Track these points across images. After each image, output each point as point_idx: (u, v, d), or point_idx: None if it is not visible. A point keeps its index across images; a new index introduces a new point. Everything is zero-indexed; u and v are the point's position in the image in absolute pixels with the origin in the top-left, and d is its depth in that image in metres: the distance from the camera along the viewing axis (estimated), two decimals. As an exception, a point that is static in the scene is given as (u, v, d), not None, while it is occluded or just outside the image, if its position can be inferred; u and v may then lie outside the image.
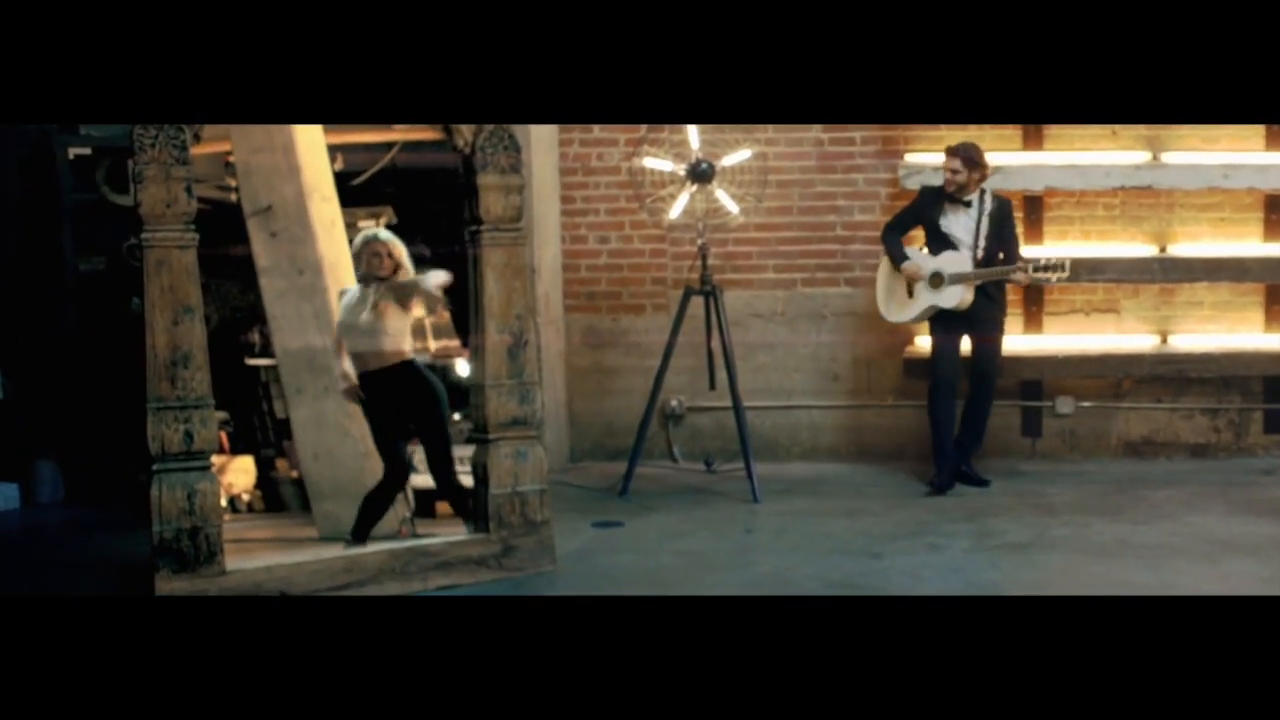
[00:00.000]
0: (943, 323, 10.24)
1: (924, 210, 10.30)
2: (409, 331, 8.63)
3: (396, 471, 8.61)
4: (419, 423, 8.70)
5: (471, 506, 8.44)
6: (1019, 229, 10.85)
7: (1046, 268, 9.87)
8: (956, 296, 10.04)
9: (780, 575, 8.11)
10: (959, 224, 10.15)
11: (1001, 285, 10.27)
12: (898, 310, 10.46)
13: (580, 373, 12.02)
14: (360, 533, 8.49)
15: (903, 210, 10.54)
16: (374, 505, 8.66)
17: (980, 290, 10.10)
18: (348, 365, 8.58)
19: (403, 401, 8.58)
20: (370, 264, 8.42)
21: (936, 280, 10.10)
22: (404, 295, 8.46)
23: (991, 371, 10.34)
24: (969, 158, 10.12)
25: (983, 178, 10.22)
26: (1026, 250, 10.85)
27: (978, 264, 10.06)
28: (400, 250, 8.52)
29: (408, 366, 8.53)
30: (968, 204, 10.12)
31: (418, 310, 8.70)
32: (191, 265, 7.28)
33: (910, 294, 10.34)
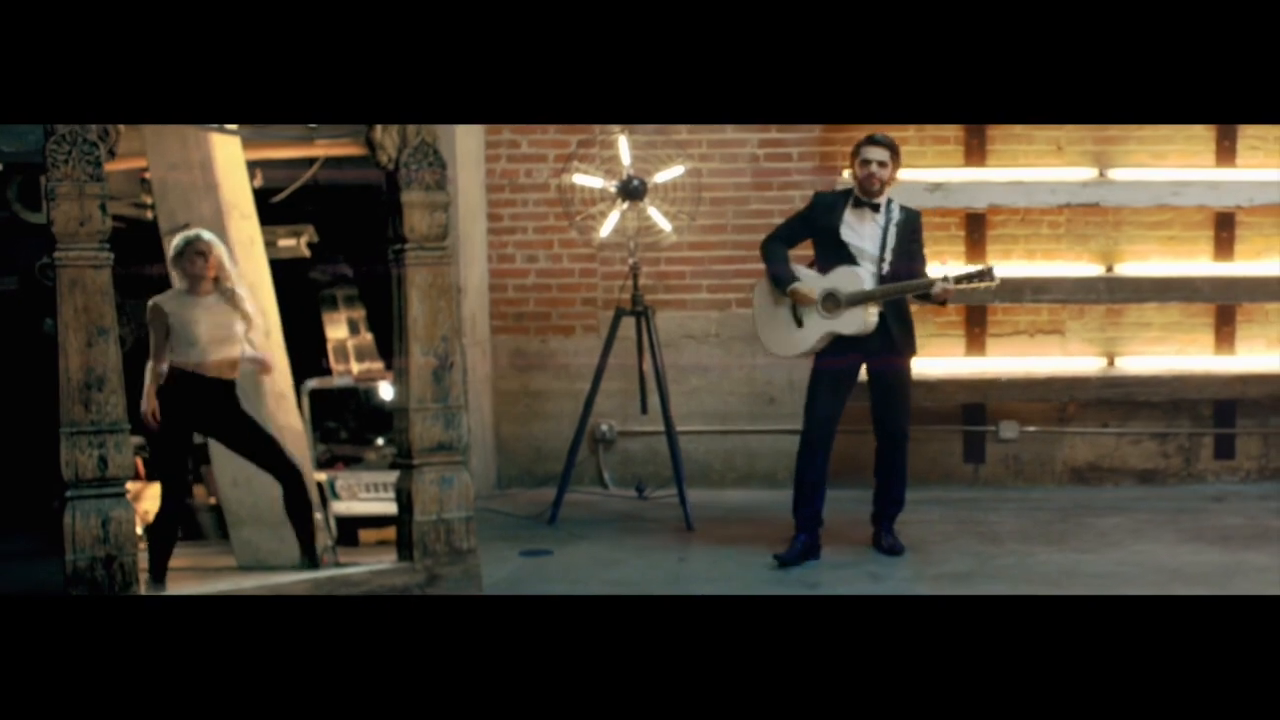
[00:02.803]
0: (835, 350, 9.11)
1: (820, 218, 9.20)
2: (239, 346, 8.73)
3: (177, 493, 8.69)
4: (242, 448, 8.79)
5: (395, 535, 8.42)
6: (962, 248, 11.03)
7: (971, 277, 8.91)
8: (858, 321, 8.94)
9: None
10: (864, 233, 9.05)
11: (905, 313, 9.25)
12: (784, 341, 9.30)
13: (508, 396, 12.04)
14: (157, 572, 8.56)
15: (791, 219, 9.55)
16: (160, 536, 8.71)
17: (883, 316, 9.01)
18: (151, 379, 8.64)
19: (213, 412, 8.67)
20: (194, 267, 8.50)
21: (831, 302, 8.98)
22: (230, 304, 8.58)
23: (900, 429, 9.34)
24: (895, 149, 9.13)
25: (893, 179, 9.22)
26: (967, 269, 10.17)
27: (882, 280, 8.97)
28: (222, 252, 8.59)
29: (230, 386, 8.64)
30: (875, 209, 9.05)
31: (239, 323, 8.78)
32: (106, 285, 7.25)
33: (798, 321, 9.17)
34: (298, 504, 8.78)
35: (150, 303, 8.71)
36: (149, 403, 8.55)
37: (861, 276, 8.99)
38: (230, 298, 8.59)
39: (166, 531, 8.68)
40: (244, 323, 8.65)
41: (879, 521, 9.55)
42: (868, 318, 8.95)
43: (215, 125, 9.50)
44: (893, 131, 9.88)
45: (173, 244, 8.67)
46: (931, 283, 8.94)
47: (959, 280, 8.93)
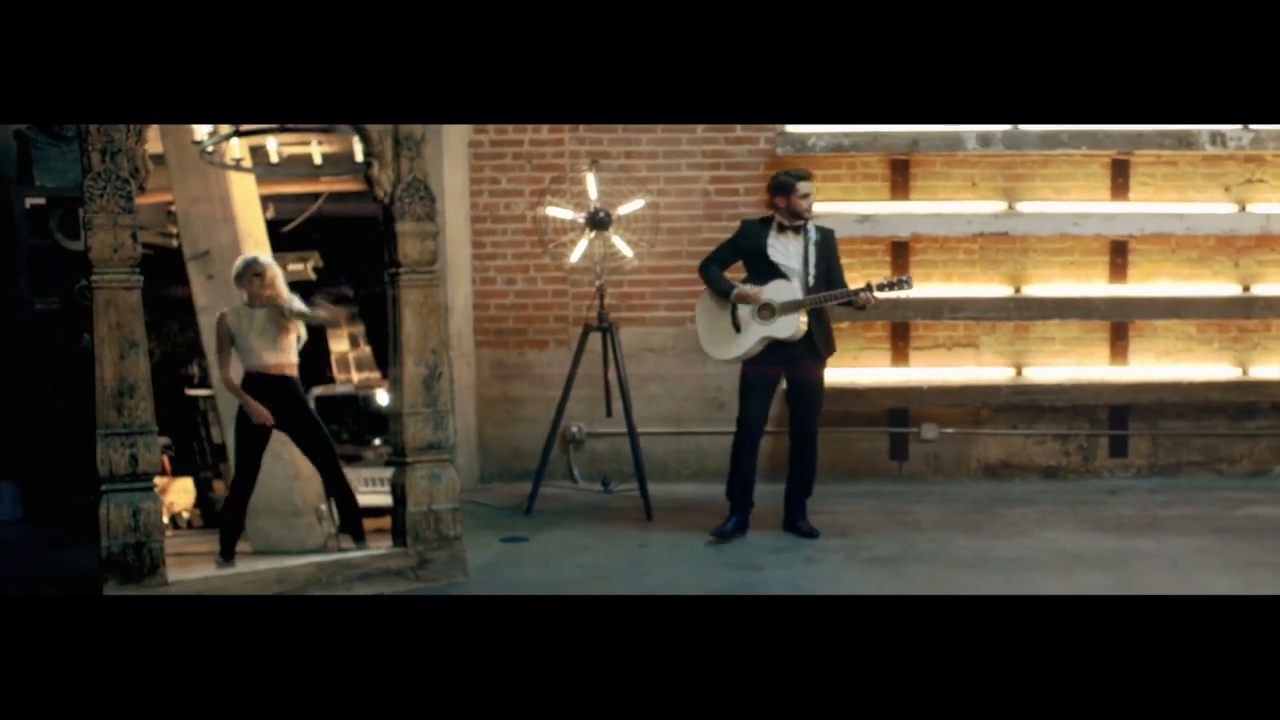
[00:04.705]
0: (763, 358, 9.38)
1: (748, 242, 9.47)
2: (293, 349, 8.74)
3: (250, 480, 8.66)
4: (300, 435, 8.77)
5: (390, 524, 8.46)
6: (888, 272, 11.04)
7: (891, 284, 9.20)
8: (791, 326, 9.21)
9: (672, 586, 8.13)
10: (790, 252, 9.33)
11: (826, 323, 9.47)
12: (725, 346, 9.49)
13: (489, 402, 12.02)
14: (227, 551, 8.56)
15: (722, 245, 9.72)
16: (230, 521, 8.74)
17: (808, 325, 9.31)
18: (232, 374, 8.62)
19: (285, 408, 8.65)
20: (253, 285, 8.52)
21: (766, 311, 9.25)
22: (280, 316, 8.60)
23: (813, 422, 9.52)
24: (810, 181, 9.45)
25: None
26: (896, 291, 10.77)
27: (809, 291, 9.24)
28: (276, 273, 8.59)
29: (290, 381, 8.63)
30: (798, 231, 9.33)
31: (294, 330, 8.81)
32: (137, 304, 7.32)
33: (736, 328, 9.41)
34: (339, 491, 8.82)
35: (218, 315, 8.75)
36: (250, 404, 8.57)
37: (792, 289, 9.25)
38: (279, 310, 8.61)
39: (236, 517, 8.71)
40: (292, 332, 8.68)
41: (793, 507, 9.68)
42: (800, 324, 9.22)
43: (232, 165, 9.56)
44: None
45: (234, 266, 8.70)
46: (857, 290, 9.20)
47: (880, 287, 9.18)
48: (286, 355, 8.63)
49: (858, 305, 9.26)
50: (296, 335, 8.83)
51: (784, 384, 9.55)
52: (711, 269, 9.55)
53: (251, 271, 8.50)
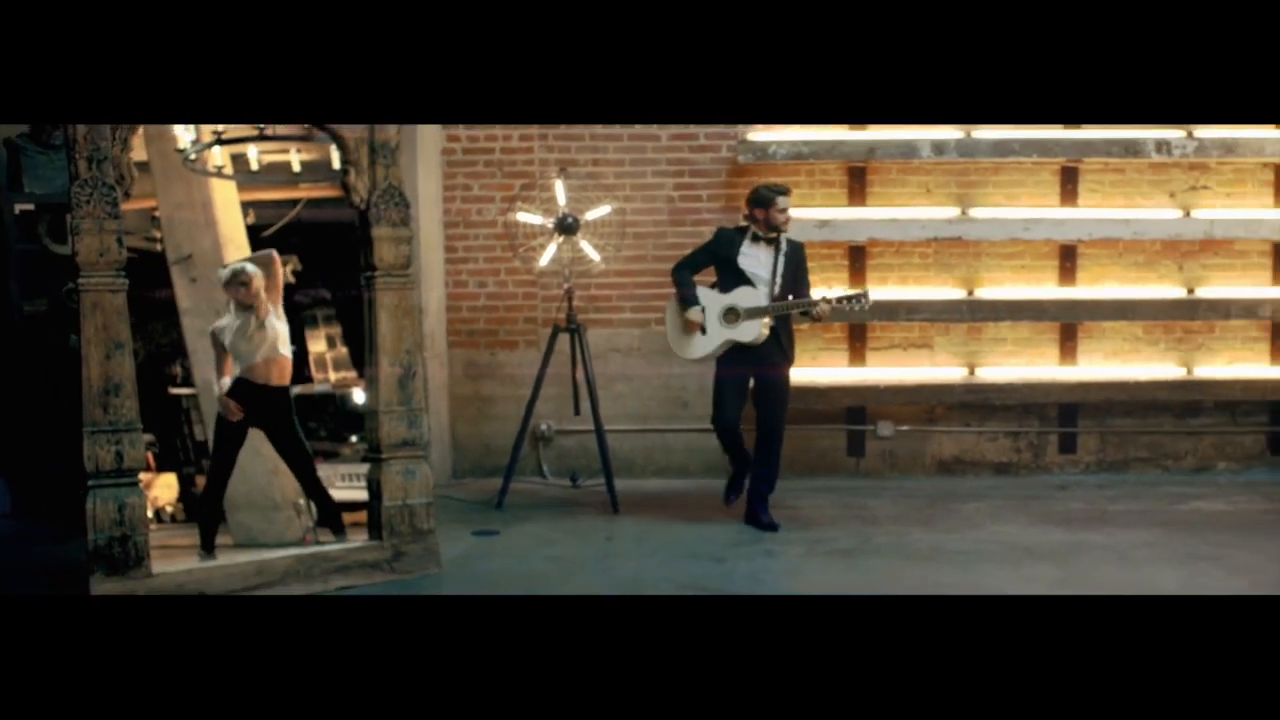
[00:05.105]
0: (732, 360, 9.65)
1: (721, 249, 9.67)
2: (283, 347, 8.67)
3: (225, 476, 8.63)
4: (280, 442, 8.74)
5: (366, 518, 8.49)
6: (845, 275, 11.13)
7: (847, 300, 9.45)
8: (753, 331, 9.47)
9: (638, 577, 8.19)
10: (759, 261, 9.54)
11: (789, 327, 9.71)
12: (691, 347, 9.73)
13: (462, 400, 12.05)
14: (208, 544, 8.51)
15: (696, 250, 9.93)
16: (207, 514, 8.68)
17: (774, 330, 9.55)
18: (226, 381, 8.55)
19: (268, 416, 8.62)
20: (240, 294, 8.56)
21: (732, 316, 9.51)
22: (263, 322, 8.53)
23: (779, 420, 9.69)
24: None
25: None
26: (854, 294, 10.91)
27: (773, 299, 9.46)
28: (261, 281, 8.59)
29: (278, 391, 8.59)
30: (771, 242, 9.55)
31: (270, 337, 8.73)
32: (122, 306, 7.35)
33: (702, 330, 9.63)
34: (317, 494, 8.83)
35: (210, 329, 8.79)
36: (222, 400, 8.57)
37: (758, 296, 9.47)
38: (262, 317, 8.62)
39: (213, 510, 8.66)
40: (273, 337, 8.67)
41: (756, 501, 9.78)
42: (762, 329, 9.48)
43: (213, 172, 9.56)
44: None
45: (221, 273, 8.71)
46: (815, 303, 9.42)
47: (838, 301, 9.46)
48: (276, 354, 8.60)
49: (814, 316, 9.47)
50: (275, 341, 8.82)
51: (751, 383, 9.69)
52: (683, 273, 9.77)
53: (238, 280, 8.52)
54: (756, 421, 9.73)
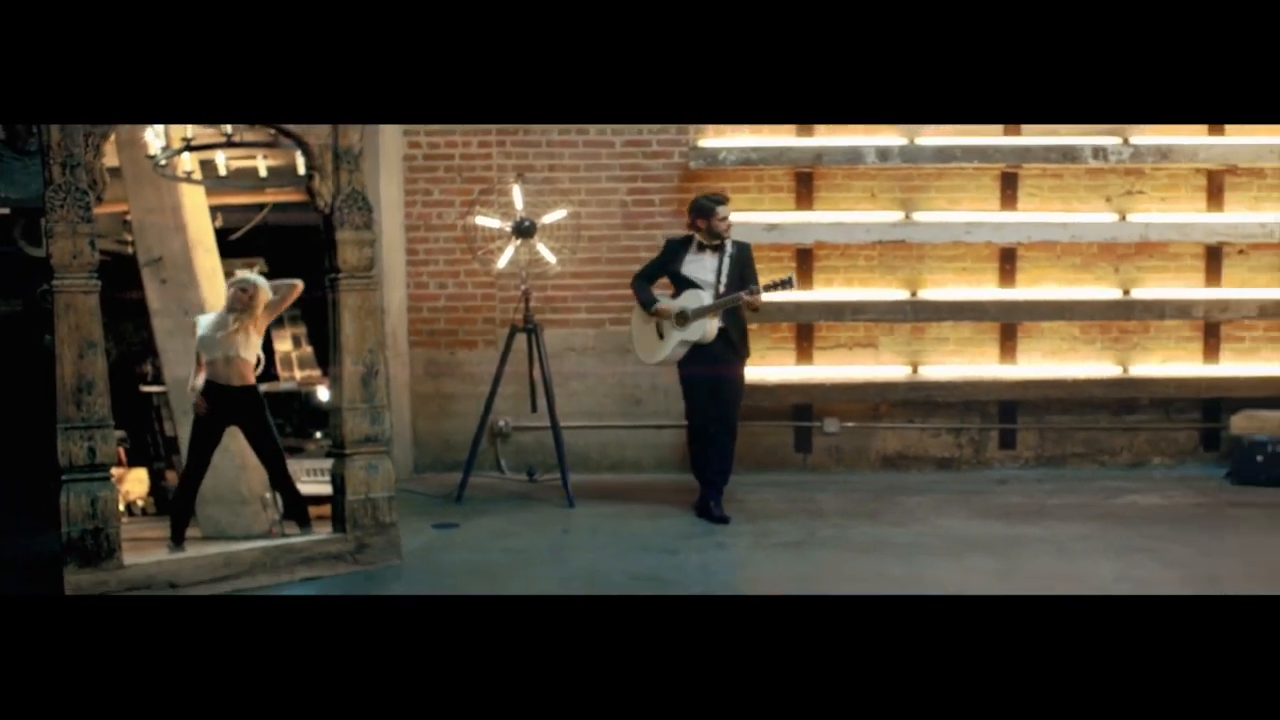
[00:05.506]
0: (691, 361, 9.91)
1: (669, 260, 10.00)
2: (254, 358, 8.72)
3: (200, 472, 8.69)
4: (254, 438, 8.79)
5: (330, 511, 8.58)
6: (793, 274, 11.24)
7: (775, 285, 9.64)
8: (700, 330, 9.69)
9: (592, 569, 8.28)
10: (704, 267, 9.78)
11: (743, 327, 9.95)
12: (651, 352, 10.09)
13: (422, 398, 12.08)
14: (178, 537, 8.56)
15: (651, 262, 10.24)
16: (180, 507, 8.74)
17: (723, 331, 9.74)
18: (200, 380, 8.64)
19: (240, 415, 8.70)
20: (236, 299, 8.60)
21: (682, 318, 9.77)
22: (242, 330, 8.61)
23: (733, 415, 9.92)
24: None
25: None
26: (798, 294, 11.24)
27: (717, 298, 9.68)
28: (262, 297, 8.67)
29: (251, 390, 8.69)
30: (716, 249, 9.80)
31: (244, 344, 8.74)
32: (95, 307, 7.40)
33: (660, 335, 9.97)
34: (284, 487, 8.87)
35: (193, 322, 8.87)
36: (194, 396, 8.66)
37: (703, 298, 9.74)
38: (244, 326, 8.67)
39: (186, 505, 8.72)
40: (240, 342, 8.68)
41: (709, 493, 9.90)
42: (709, 328, 9.72)
43: (183, 177, 9.61)
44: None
45: (230, 280, 8.77)
46: (751, 289, 9.63)
47: (766, 288, 9.68)
48: (236, 356, 8.64)
49: (750, 306, 9.66)
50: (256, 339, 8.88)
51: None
52: (639, 282, 10.11)
53: (241, 287, 8.58)
54: (713, 420, 9.89)
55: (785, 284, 9.63)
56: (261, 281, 8.69)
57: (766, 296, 9.76)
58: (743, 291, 9.63)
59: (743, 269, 9.83)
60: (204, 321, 8.75)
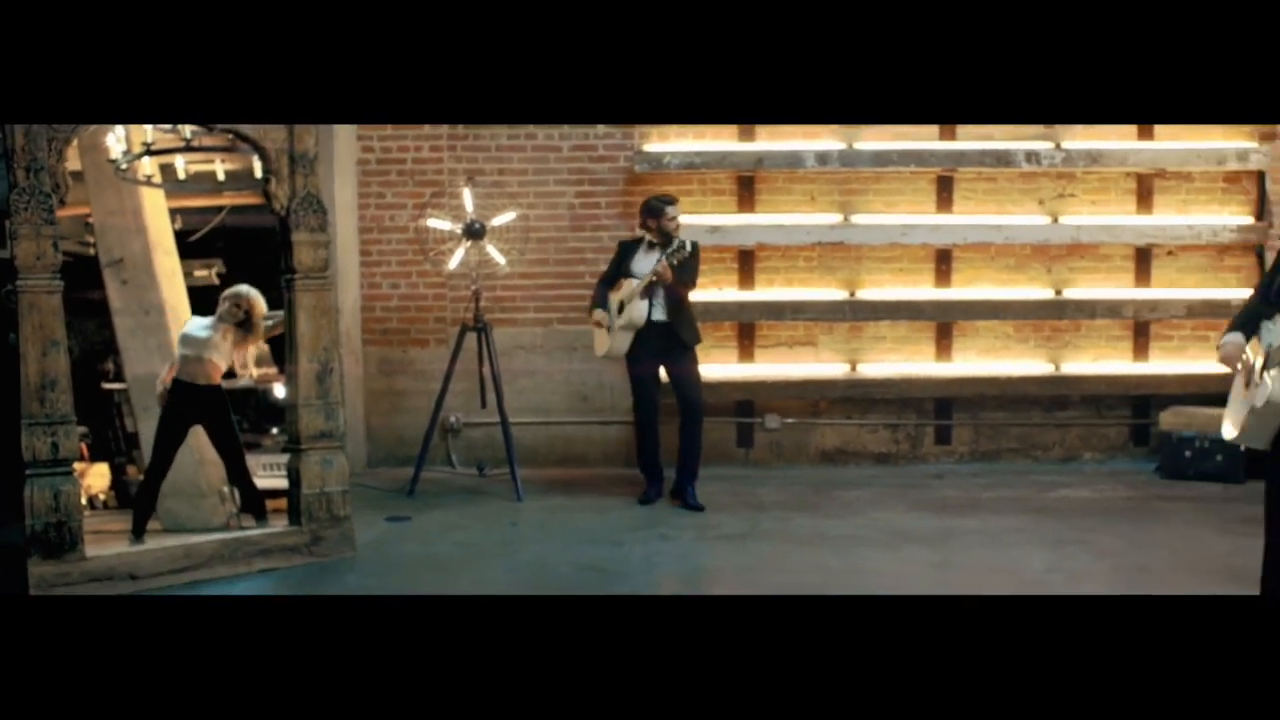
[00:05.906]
0: (640, 358, 10.11)
1: (624, 259, 10.19)
2: (226, 364, 8.80)
3: (164, 468, 8.77)
4: (217, 435, 8.89)
5: (286, 505, 8.63)
6: (735, 278, 11.39)
7: (672, 253, 9.71)
8: (630, 315, 9.90)
9: (540, 561, 8.37)
10: (646, 264, 9.91)
11: (688, 317, 10.11)
12: (603, 347, 10.28)
13: (376, 395, 12.11)
14: (139, 530, 8.60)
15: (610, 264, 10.43)
16: (143, 501, 8.80)
17: (669, 326, 9.95)
18: (168, 375, 8.74)
19: (205, 413, 8.78)
20: (232, 312, 8.66)
21: (620, 308, 10.00)
22: (224, 339, 8.74)
23: (696, 403, 10.12)
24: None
25: None
26: (740, 294, 11.48)
27: (650, 290, 9.87)
28: (259, 312, 8.79)
29: (217, 387, 8.79)
30: (664, 246, 9.87)
31: (252, 347, 8.95)
32: (58, 307, 7.45)
33: (609, 330, 10.16)
34: (242, 482, 8.98)
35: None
36: (160, 389, 8.78)
37: (633, 284, 9.98)
38: (225, 336, 8.77)
39: (149, 499, 8.77)
40: (213, 346, 8.76)
41: (684, 480, 10.14)
42: (641, 309, 9.93)
43: (143, 181, 9.64)
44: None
45: (229, 291, 8.87)
46: (657, 269, 9.78)
47: (669, 255, 9.79)
48: (207, 357, 8.72)
49: (662, 278, 9.83)
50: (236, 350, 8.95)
51: (664, 376, 10.13)
52: (599, 288, 10.36)
53: (236, 299, 8.68)
54: (679, 409, 10.14)
55: (681, 248, 9.77)
56: (257, 299, 8.80)
57: (674, 264, 9.77)
58: (656, 268, 9.78)
59: (685, 263, 9.90)
60: (195, 323, 8.84)
